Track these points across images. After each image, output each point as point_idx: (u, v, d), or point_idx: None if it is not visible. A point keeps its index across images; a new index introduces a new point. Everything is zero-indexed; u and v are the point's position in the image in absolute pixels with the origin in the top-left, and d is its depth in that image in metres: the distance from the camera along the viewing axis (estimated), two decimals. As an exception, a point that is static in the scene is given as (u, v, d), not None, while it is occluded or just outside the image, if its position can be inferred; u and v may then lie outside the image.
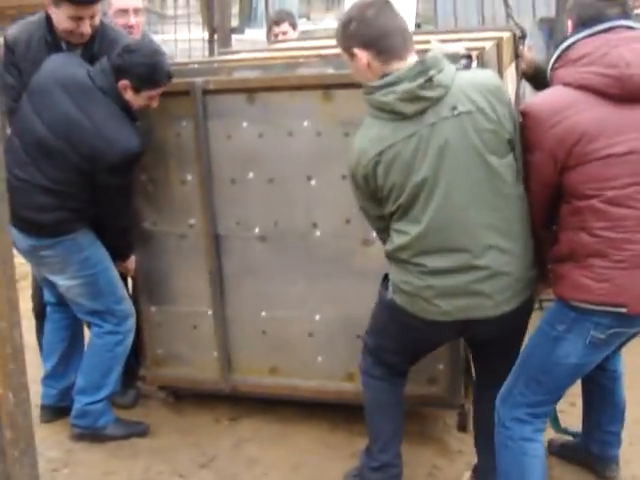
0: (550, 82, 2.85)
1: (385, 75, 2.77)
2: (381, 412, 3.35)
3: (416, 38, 2.96)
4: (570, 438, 3.69)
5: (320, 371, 3.90)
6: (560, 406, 3.67)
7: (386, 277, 3.13)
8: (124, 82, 3.56)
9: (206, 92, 3.67)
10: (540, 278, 2.97)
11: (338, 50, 2.94)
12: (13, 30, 3.83)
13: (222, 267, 3.90)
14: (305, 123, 3.58)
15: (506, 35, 3.99)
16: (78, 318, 4.04)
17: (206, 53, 6.87)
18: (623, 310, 2.67)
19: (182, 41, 7.11)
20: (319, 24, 11.37)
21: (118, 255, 3.91)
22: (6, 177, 2.04)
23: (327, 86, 3.51)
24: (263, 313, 3.91)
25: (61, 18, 3.61)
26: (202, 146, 3.73)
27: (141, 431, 4.05)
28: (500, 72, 3.64)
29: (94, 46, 3.78)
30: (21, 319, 2.21)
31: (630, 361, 4.14)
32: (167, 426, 4.15)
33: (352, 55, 2.82)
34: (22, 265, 4.23)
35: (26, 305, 4.11)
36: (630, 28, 2.75)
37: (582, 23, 2.79)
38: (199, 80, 3.68)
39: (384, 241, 3.05)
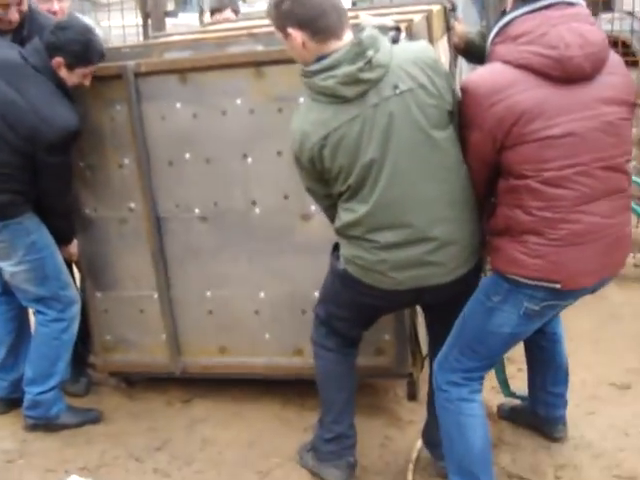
0: (488, 57, 2.80)
1: (322, 56, 2.73)
2: (334, 383, 3.37)
3: (348, 14, 2.92)
4: (518, 402, 3.75)
5: (268, 348, 3.92)
6: (508, 371, 3.77)
7: (336, 247, 3.13)
8: (58, 59, 3.53)
9: (138, 75, 3.65)
10: (484, 245, 2.99)
11: (269, 29, 2.90)
12: None
13: (165, 249, 3.90)
14: (238, 101, 3.57)
15: (436, 8, 3.99)
16: (24, 308, 4.03)
17: (140, 38, 6.79)
18: (557, 286, 2.70)
19: (116, 27, 7.02)
20: (254, 6, 11.25)
21: (61, 239, 3.89)
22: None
23: (258, 63, 3.50)
24: (208, 293, 3.92)
25: (-13, 5, 3.57)
26: (137, 129, 3.71)
27: (94, 418, 4.05)
28: (431, 44, 3.63)
29: (23, 31, 3.74)
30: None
31: (575, 325, 4.26)
32: (120, 411, 4.16)
33: (287, 35, 2.78)
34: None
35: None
36: (570, 4, 2.68)
37: None
38: (130, 63, 3.66)
39: (332, 218, 3.05)
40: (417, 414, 3.81)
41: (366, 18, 3.13)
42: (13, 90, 3.51)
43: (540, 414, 3.59)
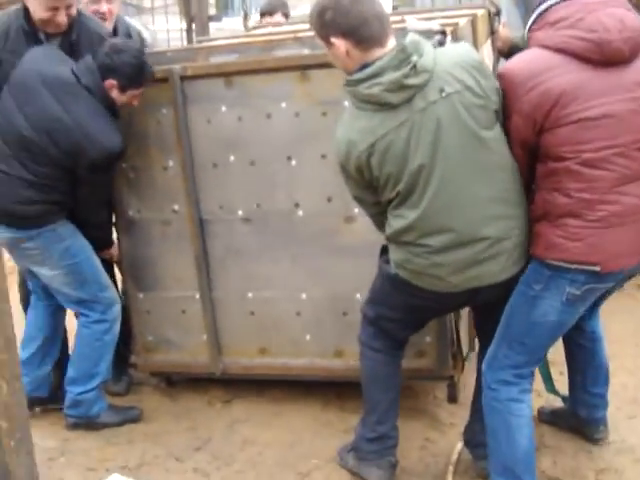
0: (527, 44, 2.85)
1: (366, 65, 2.74)
2: (380, 384, 3.37)
3: (392, 19, 2.92)
4: (559, 405, 3.73)
5: (309, 349, 3.94)
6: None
7: (384, 250, 3.13)
8: (111, 81, 3.59)
9: (184, 78, 3.69)
10: None
11: (313, 32, 2.91)
12: None
13: (207, 251, 3.93)
14: (283, 104, 3.60)
15: (480, 12, 4.01)
16: (63, 310, 4.07)
17: (184, 42, 6.85)
18: (597, 269, 2.73)
19: (160, 31, 7.09)
20: (295, 10, 11.29)
21: (98, 246, 3.94)
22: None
23: (303, 67, 3.52)
24: (250, 294, 3.94)
25: (37, 8, 3.61)
26: (182, 132, 3.75)
27: (135, 416, 4.09)
28: (476, 48, 3.65)
29: (72, 35, 3.77)
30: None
31: (617, 329, 4.24)
32: (161, 411, 4.19)
33: (330, 44, 2.78)
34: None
35: (16, 297, 4.15)
36: None
37: None
38: (177, 67, 3.70)
39: (380, 225, 3.06)
40: (457, 417, 3.81)
41: (412, 22, 3.15)
42: (61, 107, 3.55)
43: (581, 415, 3.56)
